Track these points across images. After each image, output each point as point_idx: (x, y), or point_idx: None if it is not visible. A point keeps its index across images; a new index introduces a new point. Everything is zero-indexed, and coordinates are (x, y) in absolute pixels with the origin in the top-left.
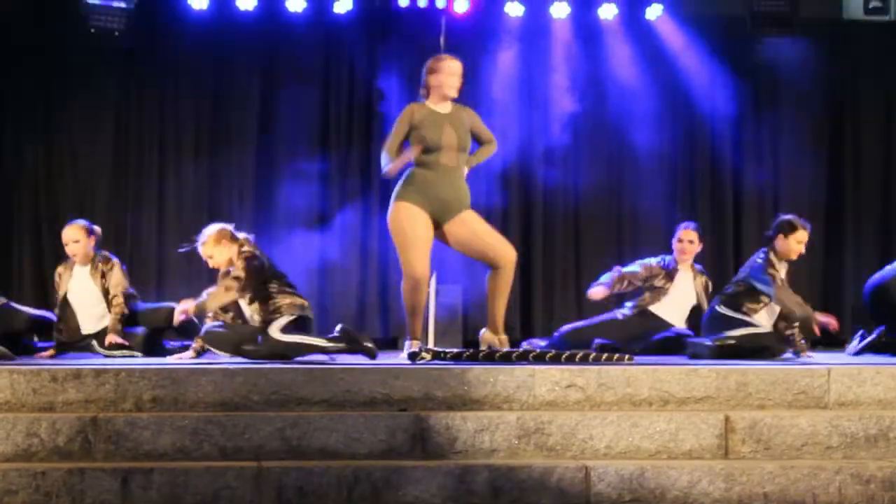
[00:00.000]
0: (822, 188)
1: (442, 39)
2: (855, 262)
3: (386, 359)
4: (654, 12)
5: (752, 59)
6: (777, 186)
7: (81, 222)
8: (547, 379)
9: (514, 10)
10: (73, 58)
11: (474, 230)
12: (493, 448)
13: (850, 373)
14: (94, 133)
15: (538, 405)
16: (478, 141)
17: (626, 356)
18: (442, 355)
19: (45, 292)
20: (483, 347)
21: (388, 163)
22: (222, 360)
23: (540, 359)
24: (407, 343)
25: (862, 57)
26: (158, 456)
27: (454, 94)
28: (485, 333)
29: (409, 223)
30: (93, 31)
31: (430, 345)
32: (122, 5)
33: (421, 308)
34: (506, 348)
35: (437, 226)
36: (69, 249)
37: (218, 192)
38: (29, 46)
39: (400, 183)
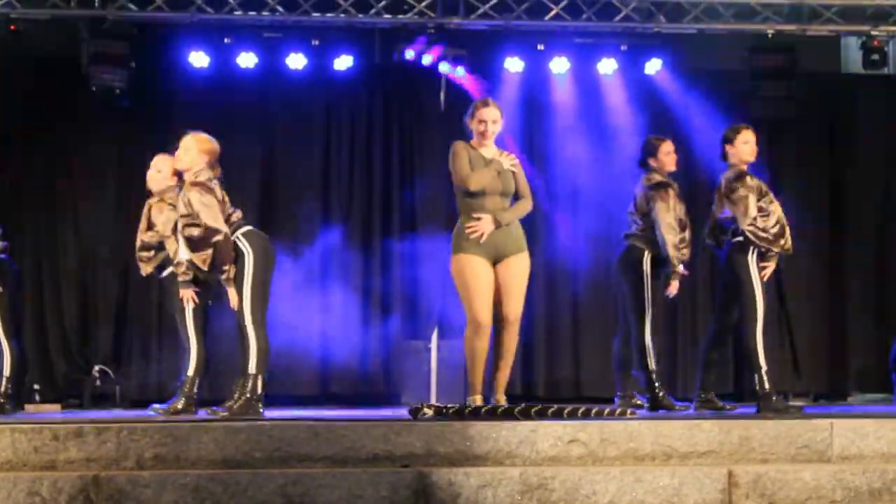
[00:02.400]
0: (825, 240)
1: (442, 95)
2: (855, 317)
3: (387, 414)
4: (653, 67)
5: (751, 111)
6: None
7: None
8: (549, 434)
9: (514, 65)
10: (76, 115)
11: (508, 276)
12: None
13: (852, 426)
14: (97, 188)
15: (541, 460)
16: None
17: (629, 411)
18: (444, 411)
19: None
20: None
21: (471, 181)
22: None
23: (542, 414)
24: (468, 399)
25: (861, 109)
26: None
27: (487, 138)
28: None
29: (470, 273)
30: (94, 89)
31: (432, 401)
32: (123, 64)
33: (483, 357)
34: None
35: (496, 261)
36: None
37: None
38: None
39: (454, 235)
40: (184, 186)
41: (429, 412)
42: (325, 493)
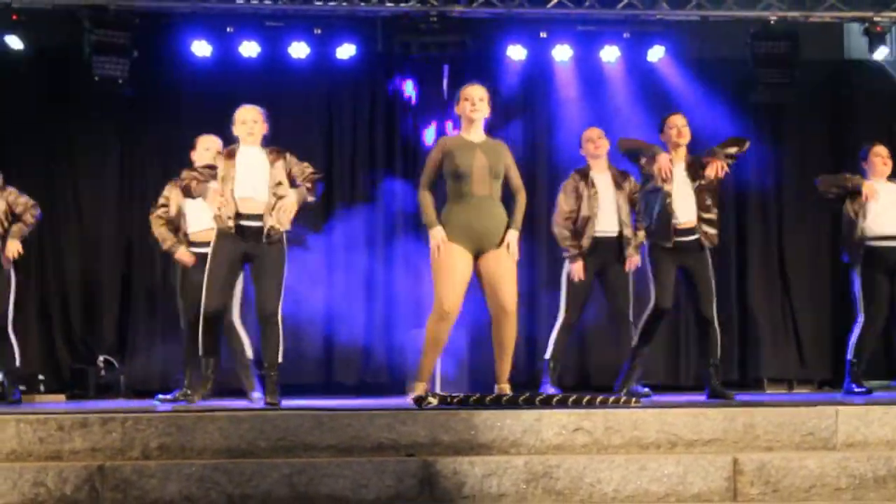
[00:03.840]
0: (826, 226)
1: (445, 84)
2: None
3: (392, 403)
4: (656, 54)
5: (753, 98)
6: (780, 230)
7: None
8: (554, 423)
9: (517, 53)
10: (78, 101)
11: (494, 268)
12: (501, 492)
13: (857, 413)
14: (100, 179)
15: (546, 449)
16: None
17: (633, 399)
18: (448, 400)
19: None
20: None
21: (422, 205)
22: None
23: (547, 402)
24: (413, 384)
25: (864, 96)
26: None
27: (477, 115)
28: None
29: (447, 260)
30: (97, 79)
31: (437, 390)
32: (126, 54)
33: (440, 346)
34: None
35: (477, 258)
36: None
37: None
38: (33, 88)
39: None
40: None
41: (433, 401)
42: (330, 482)
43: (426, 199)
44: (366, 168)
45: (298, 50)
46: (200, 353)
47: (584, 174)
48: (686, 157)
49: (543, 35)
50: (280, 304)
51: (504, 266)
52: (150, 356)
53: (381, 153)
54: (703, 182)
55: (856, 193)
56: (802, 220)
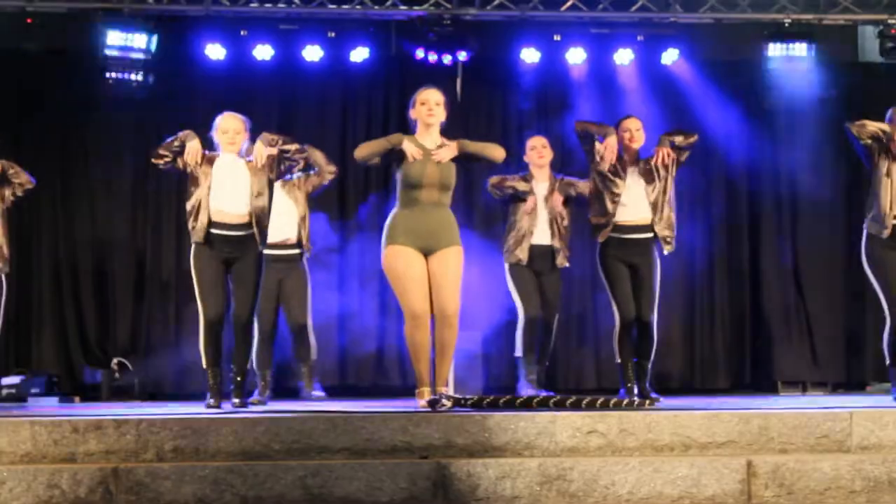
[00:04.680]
0: (842, 230)
1: (458, 86)
2: (873, 307)
3: (406, 406)
4: (670, 57)
5: (767, 101)
6: (794, 231)
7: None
8: (568, 425)
9: (531, 56)
10: (93, 104)
11: (438, 270)
12: (514, 495)
13: (872, 416)
14: (114, 182)
15: (559, 451)
16: (481, 159)
17: (647, 401)
18: (462, 402)
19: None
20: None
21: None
22: None
23: (560, 405)
24: (417, 391)
25: (878, 98)
26: None
27: (433, 120)
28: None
29: (402, 264)
30: (111, 81)
31: (451, 391)
32: (141, 56)
33: (426, 350)
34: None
35: (430, 252)
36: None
37: None
38: (48, 90)
39: (386, 227)
40: None
41: (447, 403)
42: (344, 485)
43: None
44: (380, 171)
45: (312, 53)
46: (204, 364)
47: (527, 181)
48: (639, 163)
49: (557, 38)
50: (255, 311)
51: (448, 269)
52: (164, 359)
53: None
54: (650, 166)
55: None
56: (816, 221)
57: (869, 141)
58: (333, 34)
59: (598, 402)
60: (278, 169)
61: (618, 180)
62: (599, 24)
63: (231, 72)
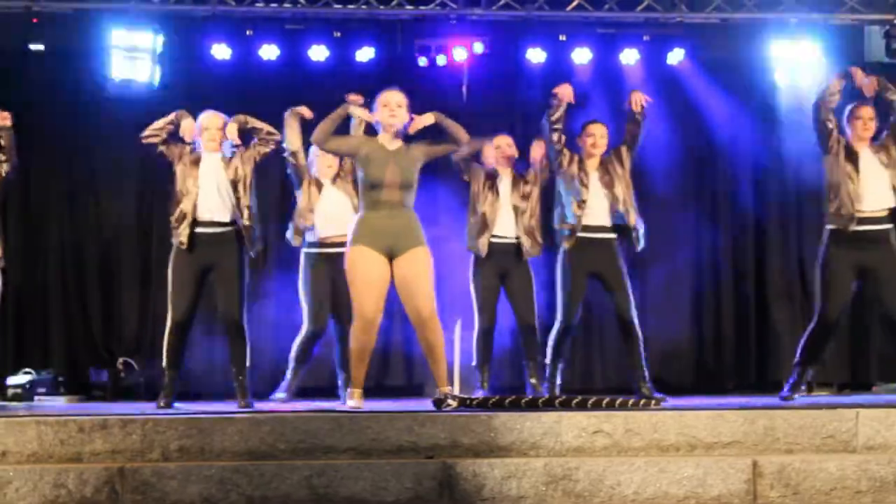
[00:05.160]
0: None
1: (464, 86)
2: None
3: (411, 406)
4: (675, 57)
5: (773, 100)
6: (800, 232)
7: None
8: (574, 425)
9: (536, 56)
10: (98, 103)
11: (406, 273)
12: (520, 495)
13: (878, 416)
14: (119, 181)
15: (565, 451)
16: (449, 138)
17: (654, 401)
18: (468, 402)
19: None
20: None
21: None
22: None
23: (566, 405)
24: (349, 391)
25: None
26: None
27: (395, 122)
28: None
29: (361, 265)
30: (116, 81)
31: (456, 391)
32: (146, 56)
33: (367, 353)
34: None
35: (392, 256)
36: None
37: None
38: (54, 90)
39: (352, 229)
40: None
41: (453, 403)
42: (350, 485)
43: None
44: None
45: (318, 53)
46: (164, 363)
47: (490, 178)
48: (600, 168)
49: (563, 38)
50: (244, 311)
51: (417, 271)
52: None
53: None
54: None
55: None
56: (822, 221)
57: (830, 117)
58: (339, 34)
59: (604, 402)
60: (253, 158)
61: (582, 188)
62: (605, 23)
63: (237, 71)
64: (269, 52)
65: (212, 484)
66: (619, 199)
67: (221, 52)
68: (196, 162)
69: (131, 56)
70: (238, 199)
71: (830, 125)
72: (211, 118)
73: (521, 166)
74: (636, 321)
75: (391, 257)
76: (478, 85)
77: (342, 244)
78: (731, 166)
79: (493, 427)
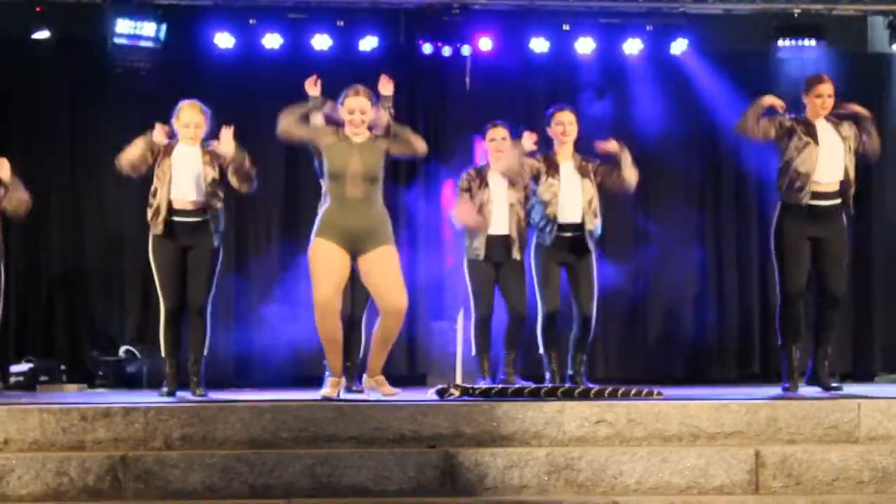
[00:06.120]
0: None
1: (467, 76)
2: (885, 305)
3: (414, 396)
4: (679, 47)
5: (776, 92)
6: None
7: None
8: (576, 415)
9: (540, 46)
10: (101, 93)
11: (376, 269)
12: (522, 484)
13: (880, 407)
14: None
15: (567, 441)
16: (407, 153)
17: (656, 392)
18: (470, 391)
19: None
20: (366, 391)
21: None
22: None
23: (569, 394)
24: (326, 379)
25: (887, 90)
26: (188, 494)
27: (358, 128)
28: (366, 379)
29: (320, 255)
30: (119, 70)
31: (458, 381)
32: (150, 45)
33: (336, 341)
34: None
35: (355, 260)
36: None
37: (244, 226)
38: (57, 79)
39: (316, 220)
40: None
41: (455, 393)
42: (352, 473)
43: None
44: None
45: (321, 42)
46: (163, 353)
47: (481, 174)
48: (574, 156)
49: (566, 27)
50: (209, 298)
51: (385, 267)
52: None
53: None
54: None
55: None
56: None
57: (779, 134)
58: (342, 23)
59: (607, 391)
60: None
61: (553, 180)
62: (608, 13)
63: (240, 61)
64: (272, 41)
65: (214, 472)
66: (590, 197)
67: (224, 41)
68: (169, 152)
69: (134, 45)
70: (212, 189)
71: (776, 130)
72: (190, 113)
73: None
74: (594, 318)
75: (355, 254)
76: (481, 74)
77: None
78: (734, 157)
79: (496, 416)
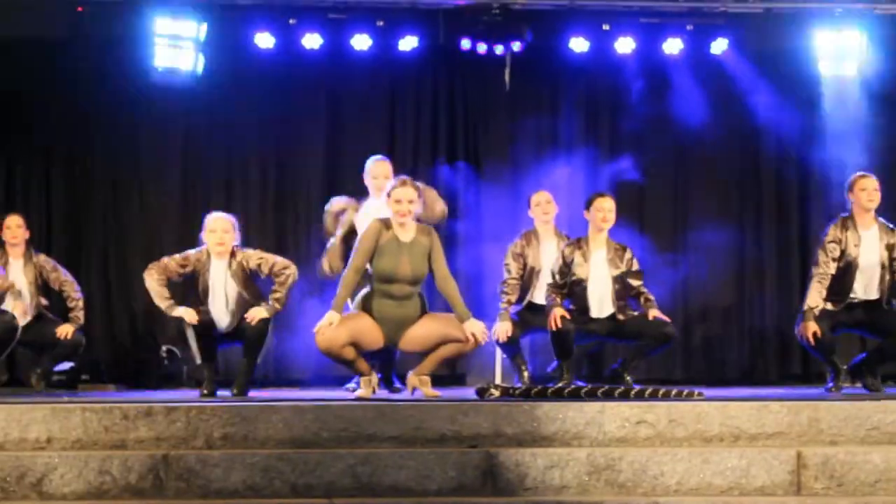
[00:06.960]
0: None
1: (507, 75)
2: None
3: (454, 395)
4: (719, 46)
5: (818, 91)
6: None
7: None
8: (617, 415)
9: (579, 46)
10: (142, 97)
11: (433, 325)
12: (563, 485)
13: None
14: (163, 171)
15: (608, 441)
16: (432, 270)
17: (697, 392)
18: (511, 391)
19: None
20: (409, 390)
21: (341, 285)
22: None
23: (609, 395)
24: (356, 381)
25: None
26: (230, 493)
27: (404, 220)
28: (411, 377)
29: (358, 318)
30: (160, 70)
31: (498, 381)
32: (190, 45)
33: (348, 359)
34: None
35: (393, 343)
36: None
37: (283, 227)
38: (98, 79)
39: (360, 297)
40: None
41: (496, 392)
42: (393, 473)
43: (347, 282)
44: (427, 161)
45: (360, 42)
46: (198, 361)
47: (533, 238)
48: (608, 244)
49: (606, 27)
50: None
51: (435, 319)
52: None
53: (443, 146)
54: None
55: None
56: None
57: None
58: (382, 23)
59: (647, 392)
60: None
61: (583, 276)
62: (648, 13)
63: (280, 60)
64: (312, 41)
65: (256, 472)
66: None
67: (264, 40)
68: (207, 269)
69: (175, 45)
70: (246, 303)
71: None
72: (217, 220)
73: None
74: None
75: (392, 340)
76: (520, 74)
77: None
78: (775, 157)
79: (536, 417)
